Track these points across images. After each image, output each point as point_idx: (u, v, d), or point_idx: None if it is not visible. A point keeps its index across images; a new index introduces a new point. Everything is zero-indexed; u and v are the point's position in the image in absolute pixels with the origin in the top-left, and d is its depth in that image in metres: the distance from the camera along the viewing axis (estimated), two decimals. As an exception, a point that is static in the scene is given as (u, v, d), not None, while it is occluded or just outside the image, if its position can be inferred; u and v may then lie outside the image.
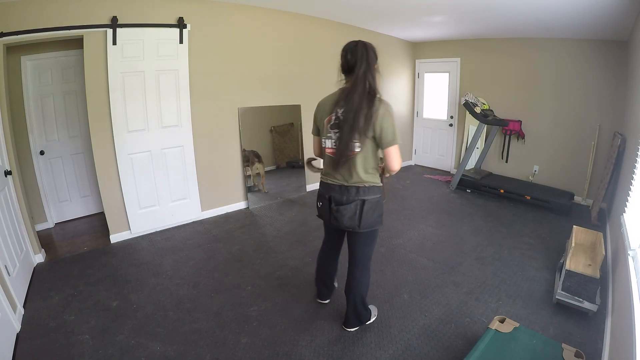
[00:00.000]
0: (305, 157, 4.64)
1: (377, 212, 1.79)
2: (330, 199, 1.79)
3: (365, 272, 1.95)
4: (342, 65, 1.73)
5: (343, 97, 1.67)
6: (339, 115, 1.68)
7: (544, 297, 2.41)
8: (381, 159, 1.79)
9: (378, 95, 1.66)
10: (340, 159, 1.70)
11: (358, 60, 1.64)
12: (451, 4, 3.42)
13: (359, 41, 1.68)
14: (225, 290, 2.53)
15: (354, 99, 1.62)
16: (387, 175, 1.86)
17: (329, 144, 1.75)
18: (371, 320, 2.15)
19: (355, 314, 2.03)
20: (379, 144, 1.69)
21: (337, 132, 1.70)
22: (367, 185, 1.75)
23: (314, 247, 3.18)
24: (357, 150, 1.68)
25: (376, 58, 1.70)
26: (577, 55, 4.21)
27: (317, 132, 1.86)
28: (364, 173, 1.73)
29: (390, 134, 1.65)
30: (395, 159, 1.70)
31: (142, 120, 3.28)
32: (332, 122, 1.72)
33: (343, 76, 1.76)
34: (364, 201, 1.74)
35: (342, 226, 1.80)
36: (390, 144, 1.67)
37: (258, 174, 4.22)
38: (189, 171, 3.66)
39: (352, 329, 2.08)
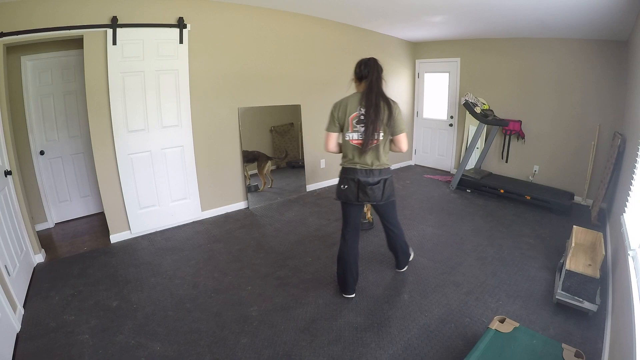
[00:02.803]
0: (306, 156, 4.65)
1: (392, 186, 2.28)
2: (357, 181, 2.16)
3: (399, 225, 2.54)
4: (356, 74, 2.18)
5: (364, 98, 2.09)
6: (363, 112, 2.09)
7: (544, 297, 2.41)
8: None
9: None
10: (367, 146, 2.11)
11: (370, 70, 2.11)
12: (451, 4, 3.42)
13: (371, 57, 2.16)
14: (225, 290, 2.54)
15: (373, 100, 2.07)
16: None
17: (355, 136, 2.14)
18: (412, 257, 2.87)
19: (404, 256, 2.70)
20: (392, 132, 2.15)
21: (362, 126, 2.10)
22: (385, 167, 2.21)
23: (313, 247, 3.18)
24: (381, 138, 2.12)
25: (382, 70, 2.15)
26: (577, 55, 4.21)
27: (337, 129, 2.19)
28: (384, 157, 2.20)
29: (401, 124, 2.16)
30: (405, 143, 2.21)
31: (142, 120, 3.28)
32: (357, 119, 2.11)
33: (354, 83, 2.23)
34: (385, 179, 2.20)
35: (369, 201, 2.21)
36: (402, 131, 2.17)
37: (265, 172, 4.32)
38: (189, 171, 3.66)
39: (404, 269, 2.77)
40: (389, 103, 2.11)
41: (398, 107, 2.16)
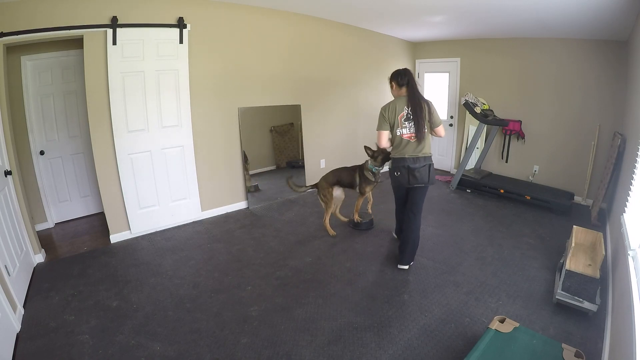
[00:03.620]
0: (306, 156, 4.64)
1: (434, 171, 2.68)
2: (407, 167, 2.60)
3: (420, 215, 2.79)
4: (398, 82, 2.65)
5: (410, 100, 2.58)
6: (409, 111, 2.57)
7: (544, 297, 2.41)
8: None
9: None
10: (420, 138, 2.58)
11: (409, 79, 2.62)
12: (451, 4, 3.42)
13: (405, 68, 2.68)
14: (225, 290, 2.54)
15: (417, 102, 2.57)
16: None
17: (405, 131, 2.61)
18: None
19: (412, 250, 2.80)
20: (432, 125, 2.62)
21: (410, 122, 2.58)
22: (429, 154, 2.66)
23: (314, 247, 3.18)
24: (425, 130, 2.58)
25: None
26: (577, 55, 4.21)
27: (388, 127, 2.65)
28: (427, 146, 2.65)
29: (438, 117, 2.66)
30: (443, 130, 2.71)
31: (142, 120, 3.28)
32: (405, 117, 2.59)
33: (394, 89, 2.71)
34: (430, 165, 2.64)
35: (418, 183, 2.63)
36: (440, 123, 2.67)
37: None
38: (189, 171, 3.66)
39: (407, 266, 2.80)
40: (427, 102, 2.62)
41: (433, 105, 2.65)
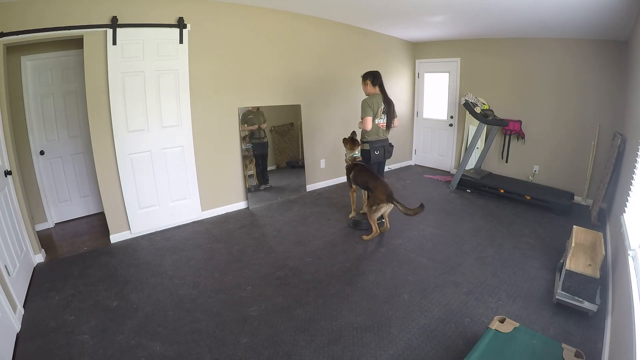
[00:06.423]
0: (306, 156, 4.63)
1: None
2: (383, 146, 3.42)
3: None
4: (372, 82, 3.35)
5: (384, 99, 3.35)
6: (385, 107, 3.35)
7: (544, 297, 2.41)
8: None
9: None
10: (388, 127, 3.45)
11: (381, 79, 3.38)
12: (450, 3, 3.42)
13: (376, 70, 3.42)
14: (225, 290, 2.54)
15: (389, 100, 3.40)
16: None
17: (381, 121, 3.37)
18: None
19: None
20: (393, 117, 3.45)
21: (384, 115, 3.37)
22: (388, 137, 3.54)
23: (314, 247, 3.18)
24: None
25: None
26: (577, 55, 4.21)
27: (372, 115, 3.28)
28: (389, 132, 3.51)
29: (396, 112, 3.53)
30: (398, 122, 3.61)
31: (142, 120, 3.27)
32: (382, 111, 3.34)
33: (368, 87, 3.38)
34: (390, 143, 3.54)
35: (389, 157, 3.54)
36: (397, 117, 3.54)
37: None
38: (189, 171, 3.66)
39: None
40: (392, 101, 3.43)
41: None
